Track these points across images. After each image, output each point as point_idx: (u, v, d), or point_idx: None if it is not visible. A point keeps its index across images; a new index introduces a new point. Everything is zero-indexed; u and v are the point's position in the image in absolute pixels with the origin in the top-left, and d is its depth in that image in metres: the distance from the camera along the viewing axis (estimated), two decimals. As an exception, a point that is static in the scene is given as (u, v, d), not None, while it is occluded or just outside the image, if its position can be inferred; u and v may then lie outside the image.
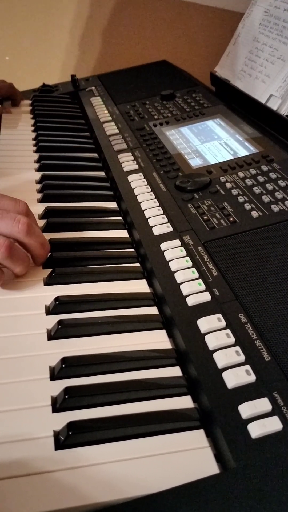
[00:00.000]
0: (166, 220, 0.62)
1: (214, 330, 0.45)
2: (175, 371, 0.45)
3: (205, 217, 0.61)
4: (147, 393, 0.42)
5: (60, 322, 0.48)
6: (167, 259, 0.55)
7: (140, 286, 0.55)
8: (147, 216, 0.64)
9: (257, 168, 0.69)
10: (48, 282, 0.54)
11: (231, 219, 0.60)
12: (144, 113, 0.95)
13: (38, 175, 0.77)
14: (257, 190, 0.64)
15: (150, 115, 0.94)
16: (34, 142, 0.90)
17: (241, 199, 0.63)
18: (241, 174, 0.68)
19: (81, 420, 0.39)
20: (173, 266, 0.54)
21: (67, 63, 1.59)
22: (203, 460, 0.37)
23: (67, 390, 0.41)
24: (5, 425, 0.39)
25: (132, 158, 0.79)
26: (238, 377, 0.41)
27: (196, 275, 0.52)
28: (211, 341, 0.44)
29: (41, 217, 0.66)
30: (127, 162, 0.78)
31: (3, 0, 1.52)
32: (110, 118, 0.95)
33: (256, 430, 0.37)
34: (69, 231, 0.64)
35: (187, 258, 0.55)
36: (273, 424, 0.37)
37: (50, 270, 0.55)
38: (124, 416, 0.40)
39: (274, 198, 0.62)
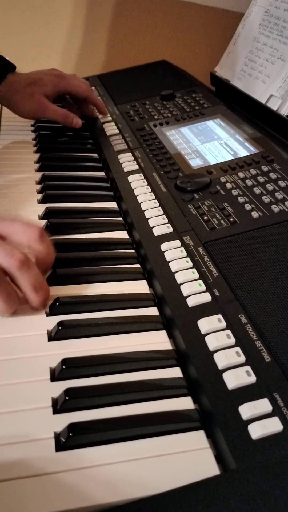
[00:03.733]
0: (166, 220, 0.62)
1: (214, 330, 0.45)
2: (175, 372, 0.45)
3: (205, 218, 0.61)
4: (147, 394, 0.42)
5: (60, 323, 0.48)
6: (167, 259, 0.55)
7: (141, 286, 0.55)
8: (147, 217, 0.64)
9: (257, 169, 0.69)
10: (48, 283, 0.54)
11: (231, 219, 0.60)
12: (144, 113, 0.95)
13: (38, 175, 0.77)
14: (257, 190, 0.64)
15: (150, 115, 0.94)
16: (34, 142, 0.90)
17: (241, 199, 0.63)
18: (241, 175, 0.68)
19: (81, 421, 0.39)
20: (173, 266, 0.54)
21: (67, 63, 1.59)
22: (204, 461, 0.37)
23: (67, 391, 0.41)
24: (6, 427, 0.39)
25: (132, 158, 0.79)
26: (238, 378, 0.41)
27: (197, 275, 0.52)
28: (212, 342, 0.44)
29: (42, 217, 0.67)
30: (127, 162, 0.78)
31: (3, 1, 1.52)
32: (110, 118, 0.95)
33: (256, 431, 0.37)
34: (70, 231, 0.64)
35: (188, 258, 0.55)
36: (274, 425, 0.37)
37: (50, 270, 0.55)
38: (125, 417, 0.40)
39: (274, 199, 0.62)
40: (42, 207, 0.68)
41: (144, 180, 0.72)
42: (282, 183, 0.65)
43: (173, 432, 0.39)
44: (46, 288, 0.51)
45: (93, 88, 1.03)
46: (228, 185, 0.66)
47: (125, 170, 0.76)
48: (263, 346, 0.44)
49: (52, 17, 1.55)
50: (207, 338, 0.45)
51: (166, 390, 0.43)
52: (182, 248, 0.56)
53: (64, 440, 0.38)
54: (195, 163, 0.74)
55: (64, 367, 0.43)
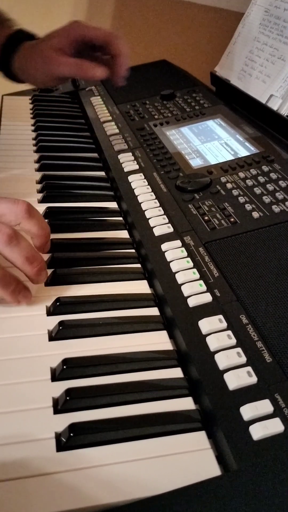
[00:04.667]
0: (166, 220, 0.62)
1: (215, 331, 0.45)
2: (176, 373, 0.45)
3: (206, 218, 0.61)
4: (148, 395, 0.42)
5: (61, 323, 0.48)
6: (168, 259, 0.55)
7: (141, 286, 0.55)
8: (147, 217, 0.64)
9: (257, 169, 0.69)
10: (49, 283, 0.54)
11: (232, 219, 0.60)
12: (144, 113, 0.95)
13: (38, 175, 0.77)
14: (257, 190, 0.64)
15: (150, 115, 0.93)
16: (34, 142, 0.90)
17: (241, 199, 0.63)
18: (241, 175, 0.68)
19: (82, 421, 0.39)
20: (174, 266, 0.54)
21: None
22: (205, 461, 0.37)
23: (68, 391, 0.41)
24: (7, 427, 0.39)
25: (133, 158, 0.79)
26: (239, 378, 0.41)
27: (197, 276, 0.52)
28: (212, 343, 0.44)
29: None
30: (128, 162, 0.78)
31: (3, 1, 1.52)
32: (110, 118, 0.95)
33: (257, 431, 0.37)
34: (70, 231, 0.64)
35: (188, 258, 0.55)
36: (275, 426, 0.37)
37: (51, 270, 0.55)
38: (126, 417, 0.40)
39: (275, 199, 0.62)
40: (42, 207, 0.68)
41: (145, 180, 0.72)
42: (282, 183, 0.64)
43: (174, 433, 0.39)
44: (40, 259, 0.49)
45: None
46: (229, 185, 0.66)
47: (125, 170, 0.76)
48: (264, 347, 0.43)
49: (52, 17, 1.55)
50: (208, 339, 0.45)
51: (167, 390, 0.43)
52: (183, 248, 0.56)
53: (65, 440, 0.38)
54: (195, 163, 0.74)
55: (64, 367, 0.43)
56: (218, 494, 0.34)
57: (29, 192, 0.73)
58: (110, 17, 1.49)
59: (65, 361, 0.44)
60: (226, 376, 0.41)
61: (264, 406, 0.38)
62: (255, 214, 0.60)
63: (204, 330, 0.46)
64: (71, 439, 0.38)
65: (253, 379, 0.41)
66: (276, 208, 0.60)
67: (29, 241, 0.49)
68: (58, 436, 0.38)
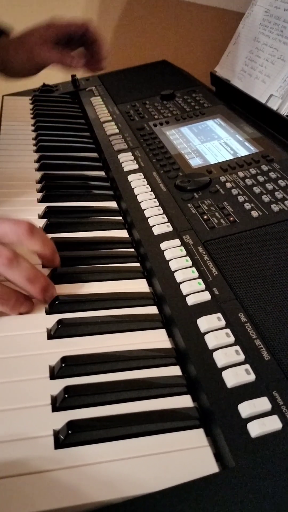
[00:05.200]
0: (166, 219, 0.62)
1: (213, 329, 0.45)
2: (174, 370, 0.45)
3: (205, 217, 0.61)
4: (146, 392, 0.42)
5: (60, 321, 0.48)
6: (167, 258, 0.55)
7: (140, 285, 0.55)
8: (147, 216, 0.64)
9: (257, 168, 0.69)
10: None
11: (231, 218, 0.60)
12: (144, 113, 0.95)
13: (38, 174, 0.77)
14: (257, 189, 0.64)
15: (150, 115, 0.94)
16: (34, 142, 0.90)
17: (241, 198, 0.63)
18: (241, 174, 0.69)
19: (80, 419, 0.39)
20: (173, 265, 0.54)
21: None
22: (203, 459, 0.37)
23: (66, 389, 0.41)
24: (5, 424, 0.39)
25: (132, 158, 0.79)
26: (237, 376, 0.41)
27: (196, 274, 0.52)
28: (211, 340, 0.44)
29: (42, 216, 0.67)
30: (127, 162, 0.78)
31: (3, 1, 1.52)
32: (110, 118, 0.95)
33: (255, 429, 0.37)
34: (69, 230, 0.64)
35: (187, 257, 0.55)
36: (273, 423, 0.37)
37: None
38: (124, 415, 0.40)
39: (274, 198, 0.62)
40: (42, 206, 0.68)
41: (144, 180, 0.72)
42: (281, 183, 0.65)
43: (172, 430, 0.39)
44: (42, 277, 0.50)
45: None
46: (228, 185, 0.66)
47: (125, 169, 0.76)
48: (263, 345, 0.44)
49: (53, 16, 1.55)
50: (206, 337, 0.45)
51: (165, 388, 0.43)
52: (182, 247, 0.56)
53: (63, 437, 0.38)
54: (195, 162, 0.75)
55: (63, 365, 0.43)
56: (216, 491, 0.34)
57: (29, 191, 0.73)
58: (110, 17, 1.49)
59: (64, 359, 0.44)
60: (224, 374, 0.41)
61: (262, 403, 0.39)
62: (254, 213, 0.60)
63: (202, 328, 0.46)
64: (69, 436, 0.38)
65: (251, 377, 0.41)
66: (275, 207, 0.60)
67: (29, 261, 0.49)
68: (56, 434, 0.39)
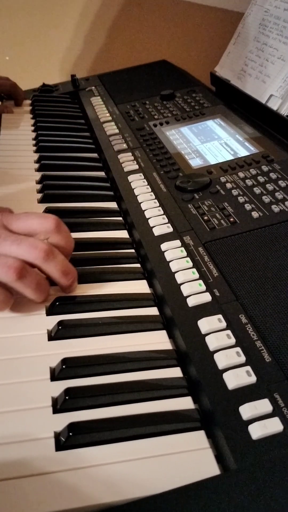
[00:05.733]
0: (166, 220, 0.62)
1: (214, 331, 0.45)
2: (175, 372, 0.44)
3: (206, 218, 0.61)
4: (147, 394, 0.42)
5: (60, 322, 0.48)
6: (168, 259, 0.55)
7: (141, 286, 0.55)
8: (147, 217, 0.64)
9: (257, 168, 0.69)
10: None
11: (232, 219, 0.60)
12: (144, 113, 0.95)
13: (38, 175, 0.77)
14: (257, 190, 0.64)
15: (150, 115, 0.93)
16: (34, 142, 0.90)
17: (241, 199, 0.63)
18: (241, 174, 0.68)
19: (81, 421, 0.39)
20: (173, 266, 0.54)
21: (67, 63, 1.59)
22: (204, 461, 0.37)
23: (67, 391, 0.41)
24: (6, 426, 0.39)
25: (132, 158, 0.79)
26: (238, 378, 0.41)
27: (197, 275, 0.52)
28: (212, 342, 0.44)
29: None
30: (127, 162, 0.78)
31: (3, 1, 1.52)
32: (110, 118, 0.95)
33: (256, 431, 0.37)
34: (70, 231, 0.63)
35: (188, 258, 0.55)
36: (274, 425, 0.37)
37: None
38: (125, 417, 0.40)
39: (275, 199, 0.62)
40: (41, 207, 0.68)
41: (144, 180, 0.72)
42: (282, 183, 0.65)
43: (173, 432, 0.39)
44: (74, 271, 0.52)
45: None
46: (228, 185, 0.66)
47: (125, 170, 0.76)
48: (264, 346, 0.43)
49: (53, 17, 1.55)
50: (207, 338, 0.45)
51: (166, 390, 0.42)
52: (182, 248, 0.56)
53: (64, 439, 0.38)
54: (195, 163, 0.74)
55: (64, 366, 0.43)
56: (217, 494, 0.34)
57: (29, 192, 0.73)
58: (110, 17, 1.49)
59: (64, 361, 0.44)
60: (225, 376, 0.41)
61: (263, 405, 0.38)
62: (255, 214, 0.60)
63: (203, 330, 0.46)
64: (70, 438, 0.38)
65: (252, 379, 0.41)
66: (275, 208, 0.60)
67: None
68: (57, 436, 0.38)
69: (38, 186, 0.74)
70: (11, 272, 0.47)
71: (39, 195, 0.72)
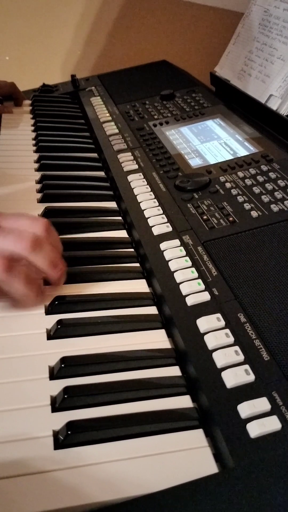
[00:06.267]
0: (165, 220, 0.62)
1: (213, 329, 0.45)
2: (174, 371, 0.45)
3: (205, 217, 0.61)
4: (146, 393, 0.42)
5: (59, 321, 0.48)
6: (167, 258, 0.55)
7: (140, 285, 0.55)
8: (146, 216, 0.64)
9: (256, 168, 0.69)
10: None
11: (231, 219, 0.60)
12: (144, 113, 0.95)
13: (38, 175, 0.77)
14: (256, 190, 0.64)
15: (150, 115, 0.94)
16: (34, 142, 0.90)
17: (240, 199, 0.63)
18: (240, 174, 0.69)
19: (80, 419, 0.39)
20: (172, 265, 0.54)
21: (67, 63, 1.59)
22: (202, 459, 0.37)
23: (66, 389, 0.41)
24: (5, 425, 0.39)
25: (132, 158, 0.79)
26: (237, 376, 0.41)
27: (196, 274, 0.52)
28: (210, 341, 0.44)
29: (41, 216, 0.66)
30: (127, 162, 0.78)
31: (3, 1, 1.52)
32: (110, 118, 0.95)
33: (255, 429, 0.37)
34: (69, 230, 0.64)
35: (187, 257, 0.55)
36: (272, 424, 0.37)
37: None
38: (123, 415, 0.40)
39: (274, 198, 0.62)
40: (41, 207, 0.68)
41: (144, 180, 0.72)
42: (281, 183, 0.65)
43: (171, 431, 0.39)
44: (62, 263, 0.51)
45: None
46: (228, 185, 0.66)
47: (125, 169, 0.76)
48: (262, 345, 0.44)
49: (53, 17, 1.56)
50: (206, 337, 0.45)
51: (164, 388, 0.43)
52: (182, 247, 0.56)
53: (62, 438, 0.38)
54: (194, 162, 0.75)
55: (63, 365, 0.43)
56: (216, 492, 0.34)
57: (29, 191, 0.73)
58: (111, 17, 1.49)
59: (63, 360, 0.44)
60: (224, 374, 0.41)
61: (262, 404, 0.39)
62: (254, 213, 0.60)
63: (202, 329, 0.46)
64: (69, 437, 0.38)
65: (251, 377, 0.41)
66: (275, 207, 0.60)
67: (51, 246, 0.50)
68: (55, 434, 0.38)
69: (38, 186, 0.74)
70: None
71: (39, 195, 0.72)
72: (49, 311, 0.51)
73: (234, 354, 0.43)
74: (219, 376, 0.41)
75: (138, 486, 0.35)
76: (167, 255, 0.56)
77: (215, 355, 0.43)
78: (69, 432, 0.38)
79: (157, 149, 0.80)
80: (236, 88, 0.93)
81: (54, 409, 0.40)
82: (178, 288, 0.51)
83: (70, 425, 0.38)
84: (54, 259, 0.50)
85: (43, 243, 0.49)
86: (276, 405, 0.39)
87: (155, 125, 0.89)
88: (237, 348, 0.43)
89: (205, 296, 0.49)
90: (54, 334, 0.47)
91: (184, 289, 0.51)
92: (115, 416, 0.40)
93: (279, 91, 0.82)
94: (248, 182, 0.66)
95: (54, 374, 0.43)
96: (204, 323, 0.46)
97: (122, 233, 0.65)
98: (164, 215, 0.63)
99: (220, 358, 0.42)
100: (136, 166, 0.76)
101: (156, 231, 0.60)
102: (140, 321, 0.50)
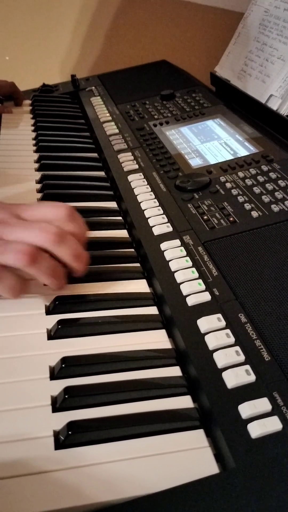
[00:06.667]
0: (166, 220, 0.62)
1: (214, 330, 0.45)
2: (175, 371, 0.44)
3: (205, 217, 0.61)
4: (147, 393, 0.42)
5: (60, 321, 0.48)
6: (167, 259, 0.55)
7: (140, 286, 0.55)
8: (147, 216, 0.64)
9: (257, 168, 0.69)
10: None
11: (231, 219, 0.60)
12: (144, 113, 0.95)
13: (38, 175, 0.77)
14: (257, 190, 0.64)
15: (150, 115, 0.94)
16: (34, 142, 0.90)
17: (241, 199, 0.63)
18: (241, 174, 0.69)
19: (81, 419, 0.39)
20: (173, 266, 0.54)
21: (67, 63, 1.59)
22: (203, 460, 0.37)
23: (67, 389, 0.41)
24: (5, 425, 0.39)
25: (132, 158, 0.79)
26: (238, 377, 0.41)
27: (196, 275, 0.52)
28: (211, 341, 0.44)
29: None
30: (127, 162, 0.78)
31: (3, 0, 1.52)
32: (110, 118, 0.95)
33: (256, 430, 0.37)
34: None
35: (187, 258, 0.55)
36: (273, 424, 0.37)
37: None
38: (124, 415, 0.40)
39: (274, 198, 0.62)
40: (41, 206, 0.68)
41: (144, 180, 0.72)
42: (281, 183, 0.65)
43: (172, 431, 0.39)
44: (85, 255, 0.52)
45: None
46: (228, 185, 0.66)
47: (125, 169, 0.76)
48: (263, 345, 0.43)
49: (53, 17, 1.55)
50: (206, 337, 0.45)
51: (165, 389, 0.42)
52: (182, 248, 0.56)
53: (63, 438, 0.38)
54: (195, 162, 0.75)
55: (63, 365, 0.43)
56: (216, 492, 0.34)
57: (29, 191, 0.73)
58: (110, 17, 1.49)
59: (64, 360, 0.44)
60: (225, 375, 0.41)
61: (263, 404, 0.38)
62: (254, 214, 0.60)
63: (202, 329, 0.46)
64: (69, 437, 0.38)
65: (252, 378, 0.41)
66: (275, 208, 0.60)
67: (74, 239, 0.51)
68: (56, 434, 0.38)
69: (38, 186, 0.74)
70: (23, 257, 0.46)
71: (39, 195, 0.72)
72: (49, 311, 0.51)
73: (235, 355, 0.43)
74: (220, 377, 0.41)
75: (139, 487, 0.35)
76: (167, 255, 0.56)
77: (215, 356, 0.43)
78: (69, 432, 0.38)
79: (157, 149, 0.80)
80: (236, 88, 0.93)
81: (54, 409, 0.40)
82: (178, 288, 0.51)
83: (71, 425, 0.38)
84: (77, 251, 0.50)
85: (66, 235, 0.49)
86: (277, 406, 0.39)
87: (155, 125, 0.89)
88: (237, 348, 0.43)
89: (206, 296, 0.49)
90: (54, 334, 0.47)
91: (184, 289, 0.51)
92: (115, 416, 0.40)
93: (279, 91, 0.82)
94: (249, 182, 0.66)
95: (55, 374, 0.43)
96: (204, 323, 0.46)
97: (123, 233, 0.65)
98: (164, 215, 0.63)
99: (220, 359, 0.42)
100: (136, 166, 0.76)
101: (156, 231, 0.60)
102: (140, 321, 0.50)
